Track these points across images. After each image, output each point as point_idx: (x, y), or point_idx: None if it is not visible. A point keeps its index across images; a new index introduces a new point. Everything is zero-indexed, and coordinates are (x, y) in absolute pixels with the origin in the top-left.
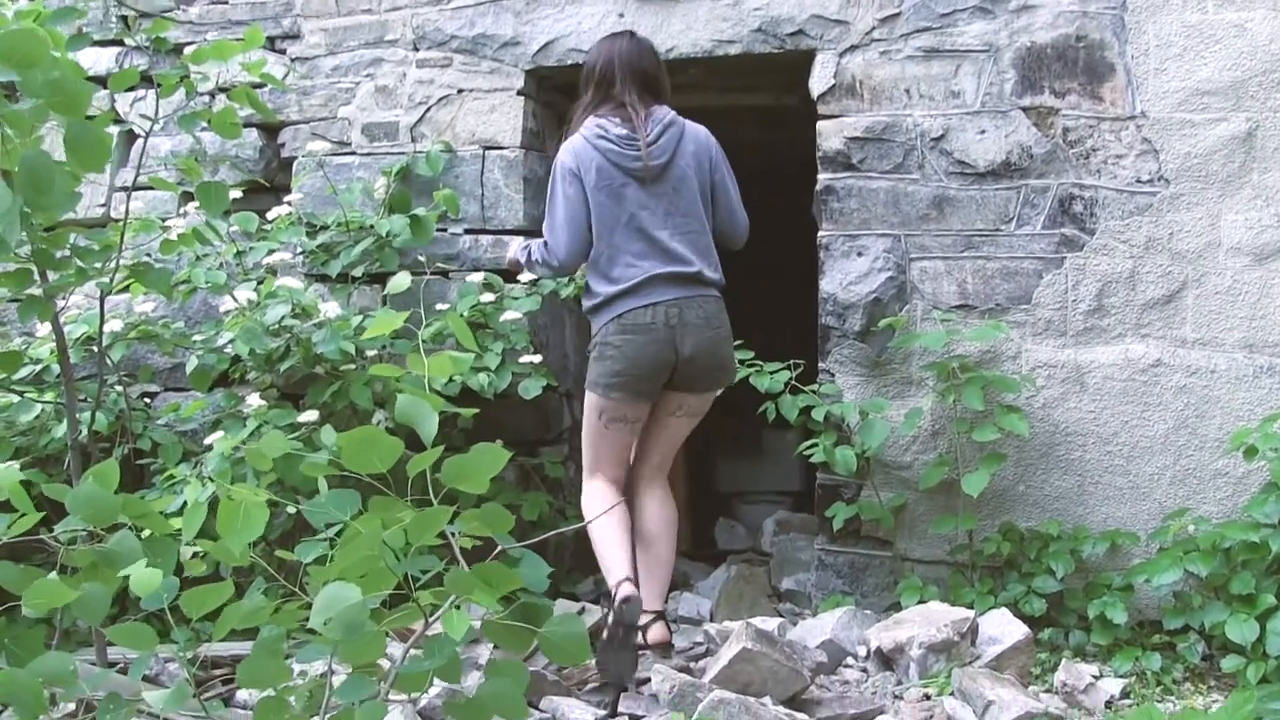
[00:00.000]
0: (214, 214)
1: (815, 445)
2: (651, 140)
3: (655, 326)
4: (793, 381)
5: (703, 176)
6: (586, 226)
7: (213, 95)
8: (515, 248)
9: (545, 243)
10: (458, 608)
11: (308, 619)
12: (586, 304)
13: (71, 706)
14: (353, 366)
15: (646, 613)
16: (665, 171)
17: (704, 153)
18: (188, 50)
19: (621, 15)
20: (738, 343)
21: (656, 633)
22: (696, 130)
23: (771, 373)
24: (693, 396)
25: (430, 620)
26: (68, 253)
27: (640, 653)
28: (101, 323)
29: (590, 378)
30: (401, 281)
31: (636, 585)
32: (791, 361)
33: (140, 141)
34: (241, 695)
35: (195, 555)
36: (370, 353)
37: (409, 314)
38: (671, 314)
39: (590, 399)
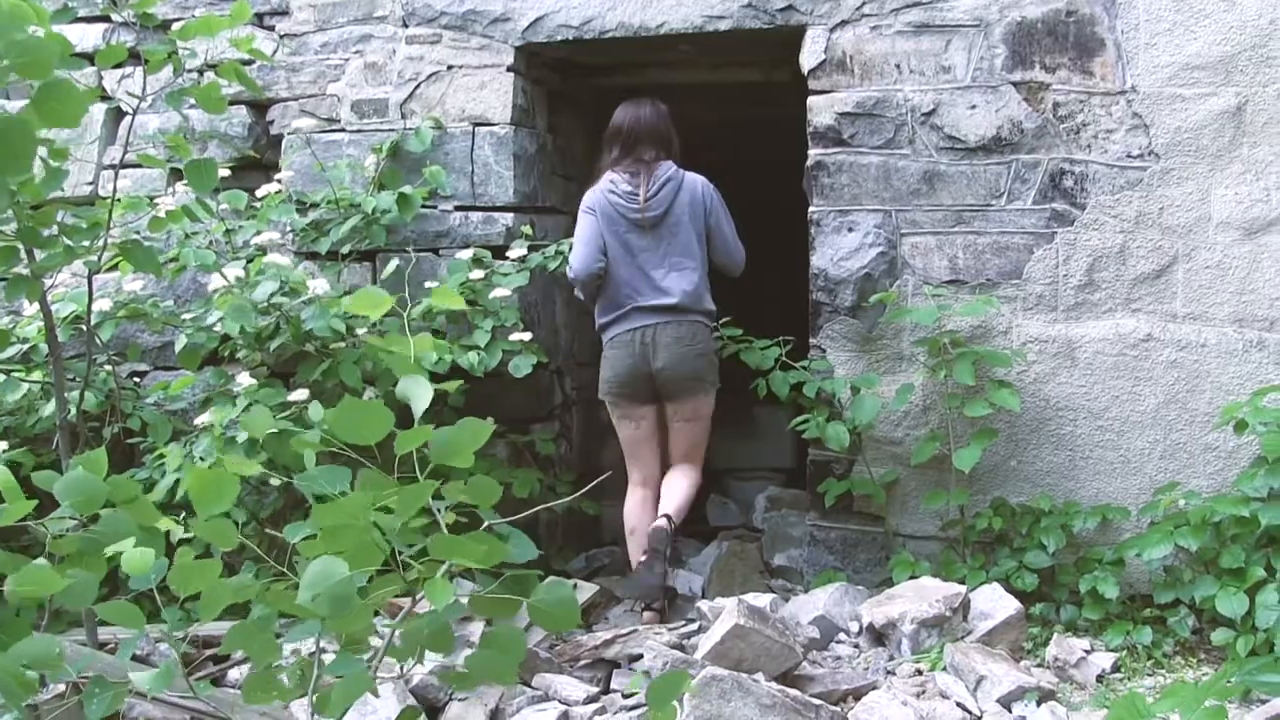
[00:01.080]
0: (203, 191)
1: (808, 421)
2: (650, 195)
3: (632, 345)
4: (783, 358)
5: (698, 222)
6: (598, 248)
7: (201, 72)
8: None
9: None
10: (450, 578)
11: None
12: (597, 323)
13: (62, 687)
14: (342, 344)
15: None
16: (663, 219)
17: (699, 202)
18: (175, 26)
19: None
20: (727, 318)
21: (661, 522)
22: (694, 181)
23: (762, 348)
24: (678, 404)
25: (418, 597)
26: (55, 231)
27: (666, 584)
28: (90, 301)
29: (599, 387)
30: (389, 269)
31: (656, 609)
32: (781, 338)
33: (127, 118)
34: (233, 675)
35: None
36: (361, 331)
37: (396, 298)
38: (646, 335)
39: (607, 407)
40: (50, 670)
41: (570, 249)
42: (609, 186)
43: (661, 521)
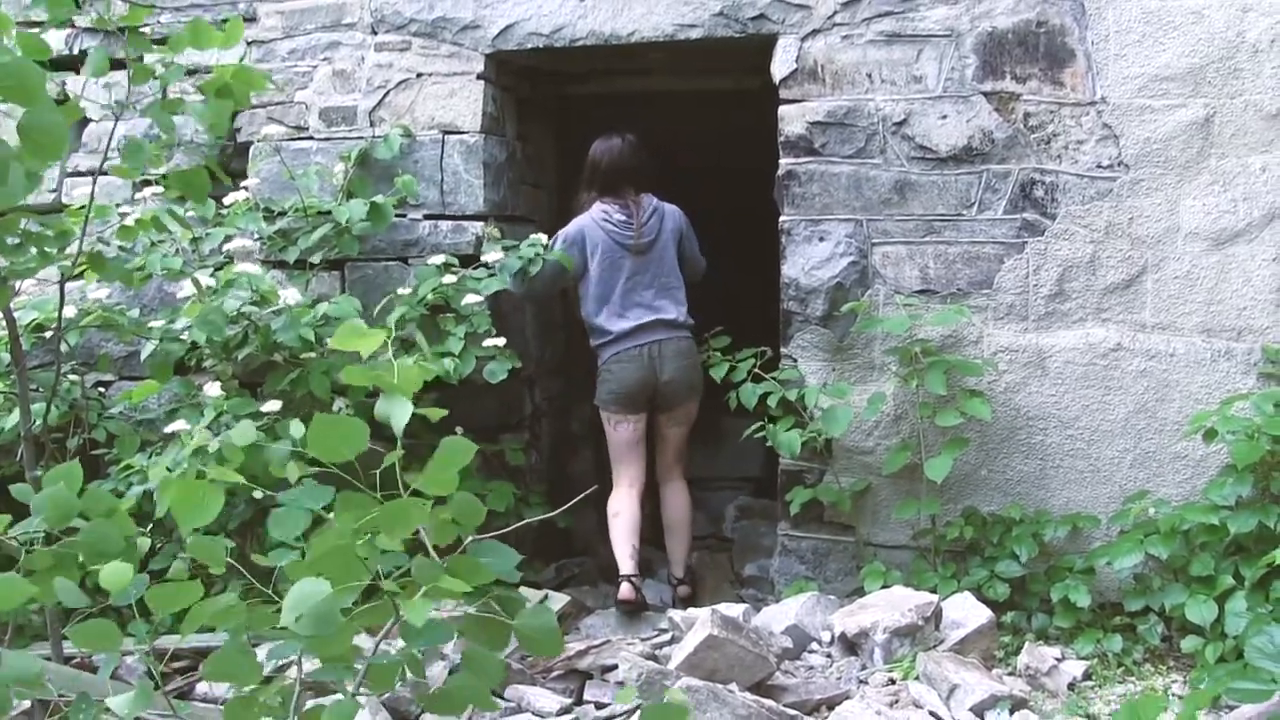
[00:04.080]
0: (198, 201)
1: (763, 428)
2: (643, 224)
3: (641, 359)
4: (755, 370)
5: (676, 245)
6: (559, 274)
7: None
8: None
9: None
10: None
11: (277, 617)
12: (595, 341)
13: (27, 704)
14: (312, 355)
15: (675, 579)
16: (651, 246)
17: (676, 228)
18: (143, 30)
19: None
20: (718, 328)
21: (682, 591)
22: (672, 210)
23: (735, 363)
24: (674, 412)
25: (400, 615)
26: (19, 239)
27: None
28: (61, 308)
29: (598, 396)
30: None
31: (633, 584)
32: (759, 349)
33: (92, 125)
34: (201, 688)
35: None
36: (329, 340)
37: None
38: (653, 350)
39: (602, 414)
40: (30, 688)
41: (545, 247)
42: (602, 216)
43: (683, 591)
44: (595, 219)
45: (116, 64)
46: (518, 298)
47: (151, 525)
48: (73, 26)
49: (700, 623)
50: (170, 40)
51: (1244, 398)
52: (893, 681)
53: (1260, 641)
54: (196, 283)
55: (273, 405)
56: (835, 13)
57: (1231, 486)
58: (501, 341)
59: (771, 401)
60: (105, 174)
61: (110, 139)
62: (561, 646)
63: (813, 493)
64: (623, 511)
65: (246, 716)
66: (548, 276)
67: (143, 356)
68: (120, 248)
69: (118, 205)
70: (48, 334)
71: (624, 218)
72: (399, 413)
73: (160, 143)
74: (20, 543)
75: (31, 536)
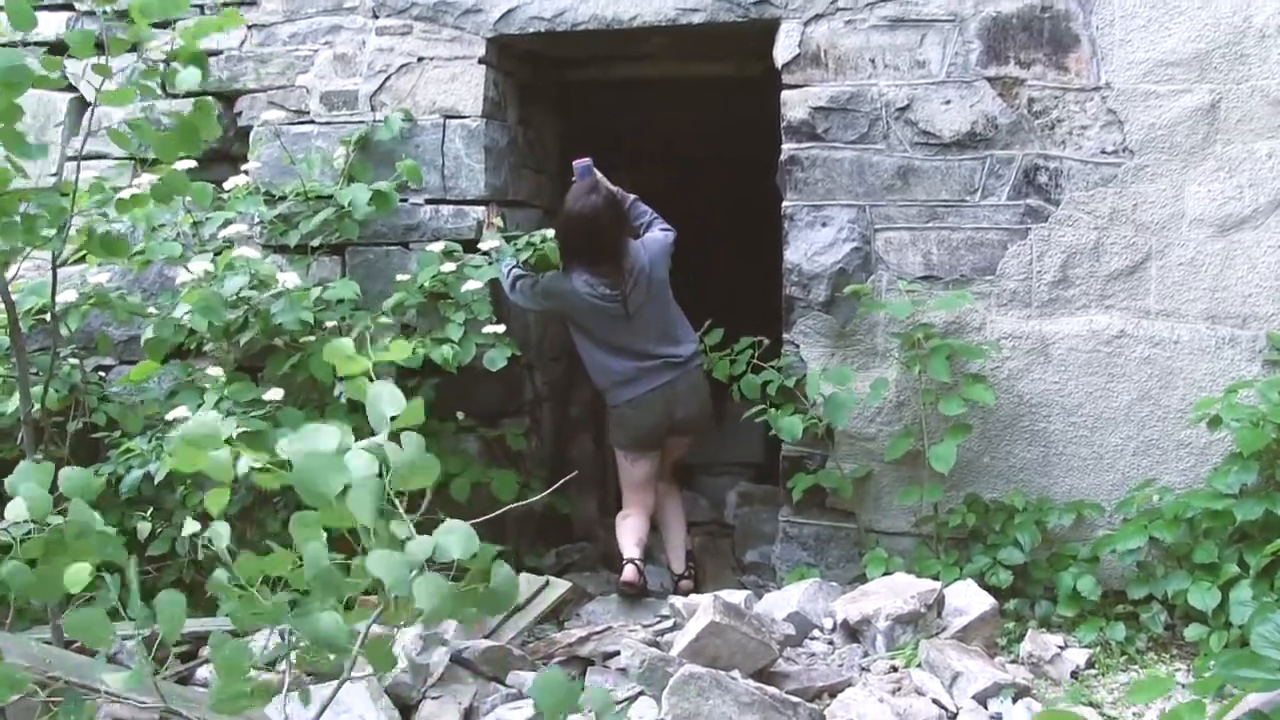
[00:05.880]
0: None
1: (765, 411)
2: (629, 293)
3: (655, 403)
4: (754, 360)
5: (657, 280)
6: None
7: (167, 62)
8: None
9: (520, 279)
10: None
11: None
12: (601, 382)
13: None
14: (312, 338)
15: (676, 575)
16: (642, 305)
17: (653, 266)
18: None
19: None
20: (709, 320)
21: (684, 586)
22: (648, 250)
23: (733, 358)
24: (686, 436)
25: (391, 598)
26: (17, 220)
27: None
28: (54, 290)
29: (614, 439)
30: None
31: (637, 567)
32: (757, 339)
33: (92, 109)
34: (201, 673)
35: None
36: (330, 324)
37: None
38: (668, 393)
39: (618, 453)
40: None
41: (540, 241)
42: (586, 289)
43: (685, 585)
44: (577, 288)
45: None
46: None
47: (151, 510)
48: (73, 10)
49: (702, 609)
50: (136, 7)
51: (1249, 385)
52: (895, 669)
53: (1266, 629)
54: (189, 270)
55: (275, 394)
56: None
57: (1235, 475)
58: (502, 328)
59: (772, 389)
60: (90, 157)
61: (89, 120)
62: (517, 595)
63: (815, 479)
64: (633, 516)
65: (234, 703)
66: (540, 293)
67: (143, 340)
68: (116, 222)
69: (115, 188)
70: (48, 317)
71: (609, 290)
72: (390, 401)
73: (164, 126)
74: (11, 535)
75: (23, 527)
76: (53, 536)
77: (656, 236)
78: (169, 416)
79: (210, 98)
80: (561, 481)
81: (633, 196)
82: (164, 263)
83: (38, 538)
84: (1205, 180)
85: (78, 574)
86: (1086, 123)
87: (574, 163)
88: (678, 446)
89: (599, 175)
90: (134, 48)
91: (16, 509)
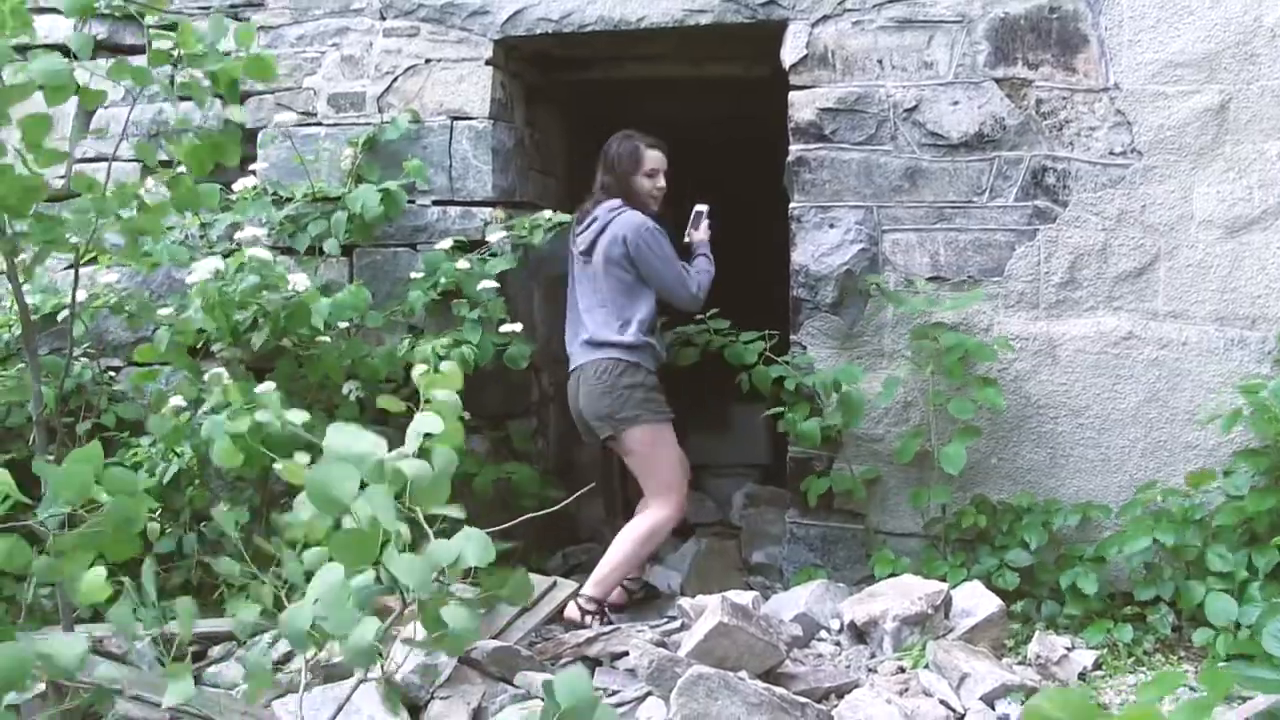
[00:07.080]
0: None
1: (783, 412)
2: (580, 231)
3: (572, 385)
4: (766, 353)
5: (623, 264)
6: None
7: (175, 64)
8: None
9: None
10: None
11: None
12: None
13: (41, 686)
14: (324, 339)
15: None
16: (589, 259)
17: (618, 243)
18: (147, 19)
19: None
20: (714, 310)
21: (574, 610)
22: (623, 224)
23: (747, 342)
24: (611, 441)
25: (409, 602)
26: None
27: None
28: (75, 292)
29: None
30: None
31: (624, 588)
32: (767, 331)
33: (100, 110)
34: (211, 672)
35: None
36: (342, 325)
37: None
38: (575, 376)
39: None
40: (63, 671)
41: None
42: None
43: (570, 610)
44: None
45: (123, 50)
46: (525, 282)
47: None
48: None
49: (711, 610)
50: (182, 31)
51: (1259, 387)
52: (902, 670)
53: (1276, 630)
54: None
55: (266, 387)
56: None
57: (1243, 476)
58: (519, 327)
59: (789, 385)
60: (98, 160)
61: (125, 123)
62: (530, 591)
63: (828, 482)
64: (660, 534)
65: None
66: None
67: (156, 343)
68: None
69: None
70: (59, 317)
71: (577, 226)
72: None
73: (176, 126)
74: (44, 525)
75: (56, 519)
76: (92, 527)
77: (647, 247)
78: (168, 406)
79: (235, 125)
80: (581, 492)
81: (705, 248)
82: (172, 264)
83: (69, 535)
84: (1214, 181)
85: (96, 581)
86: (1095, 124)
87: (696, 206)
88: (619, 450)
89: (705, 222)
90: (174, 63)
91: (58, 480)
